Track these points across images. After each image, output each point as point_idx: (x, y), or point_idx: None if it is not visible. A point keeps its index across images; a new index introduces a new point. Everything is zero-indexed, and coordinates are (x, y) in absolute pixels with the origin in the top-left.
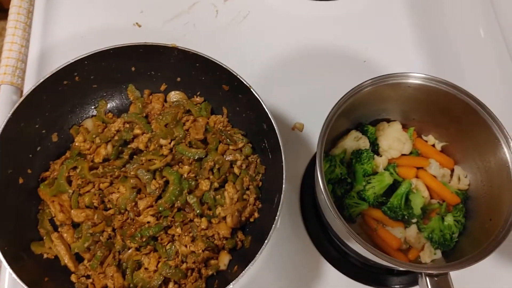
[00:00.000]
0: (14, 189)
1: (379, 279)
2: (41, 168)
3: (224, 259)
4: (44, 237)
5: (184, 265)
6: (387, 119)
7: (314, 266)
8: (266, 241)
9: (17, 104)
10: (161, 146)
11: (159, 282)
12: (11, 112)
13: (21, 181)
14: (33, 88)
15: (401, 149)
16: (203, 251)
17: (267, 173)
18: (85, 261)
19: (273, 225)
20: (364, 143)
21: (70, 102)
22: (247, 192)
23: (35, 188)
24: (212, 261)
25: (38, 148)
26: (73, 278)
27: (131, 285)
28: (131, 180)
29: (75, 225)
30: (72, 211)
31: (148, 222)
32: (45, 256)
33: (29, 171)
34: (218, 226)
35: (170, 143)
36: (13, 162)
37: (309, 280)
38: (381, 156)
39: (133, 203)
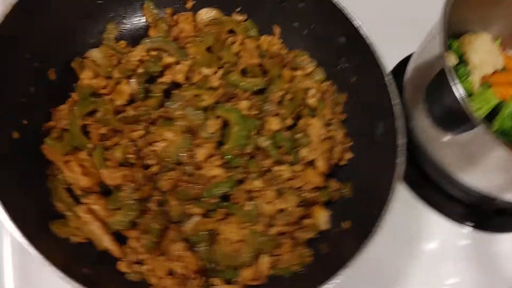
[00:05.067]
0: (7, 147)
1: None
2: (40, 117)
3: (321, 216)
4: (66, 214)
5: (274, 230)
6: (466, 31)
7: (414, 212)
8: (392, 186)
9: None
10: (206, 77)
11: (251, 256)
12: None
13: (15, 135)
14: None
15: (495, 64)
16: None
17: (351, 101)
18: (132, 242)
19: (397, 162)
20: (452, 59)
21: (67, 23)
22: (330, 128)
23: (36, 145)
24: (306, 221)
25: (32, 89)
26: (122, 266)
27: (210, 265)
28: (180, 122)
29: (105, 193)
30: (103, 171)
31: (214, 177)
32: (72, 239)
33: (24, 122)
34: (304, 174)
35: (216, 73)
36: (1, 110)
37: (412, 230)
38: (472, 73)
39: (189, 153)
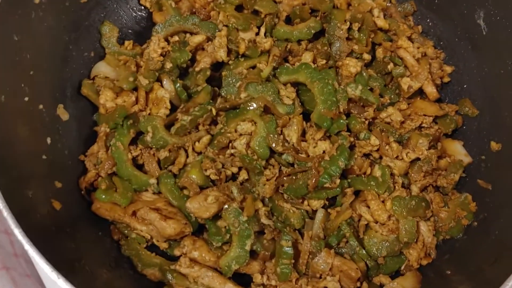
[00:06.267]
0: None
1: None
2: (71, 173)
3: (456, 147)
4: (165, 280)
5: (416, 187)
6: None
7: None
8: None
9: None
10: (253, 42)
11: (410, 228)
12: None
13: (57, 206)
14: None
15: None
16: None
17: (421, 8)
18: (257, 278)
19: None
20: None
21: (57, 39)
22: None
23: (81, 207)
24: (442, 162)
25: (48, 140)
26: None
27: (370, 262)
28: (249, 106)
29: (198, 231)
30: (187, 205)
31: (323, 154)
32: None
33: (57, 185)
34: (415, 108)
35: (259, 32)
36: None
37: None
38: None
39: (279, 138)
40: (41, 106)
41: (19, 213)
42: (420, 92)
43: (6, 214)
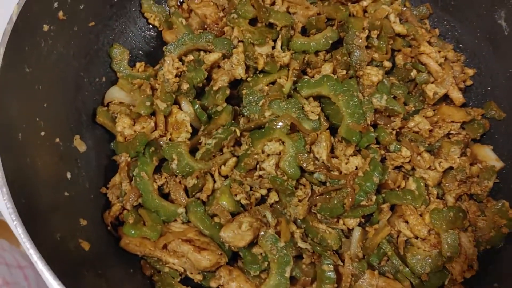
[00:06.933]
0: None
1: None
2: (95, 208)
3: (486, 152)
4: None
5: (451, 197)
6: None
7: None
8: None
9: None
10: (271, 57)
11: (453, 241)
12: None
13: (85, 246)
14: None
15: None
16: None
17: (437, 9)
18: None
19: None
20: None
21: (68, 66)
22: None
23: (109, 245)
24: (474, 168)
25: (68, 175)
26: None
27: (414, 281)
28: (275, 125)
29: (232, 259)
30: (221, 234)
31: (357, 170)
32: None
33: (82, 222)
34: (442, 115)
35: (274, 47)
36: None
37: None
38: None
39: (308, 157)
40: (57, 140)
41: (50, 259)
42: (445, 98)
43: (41, 266)
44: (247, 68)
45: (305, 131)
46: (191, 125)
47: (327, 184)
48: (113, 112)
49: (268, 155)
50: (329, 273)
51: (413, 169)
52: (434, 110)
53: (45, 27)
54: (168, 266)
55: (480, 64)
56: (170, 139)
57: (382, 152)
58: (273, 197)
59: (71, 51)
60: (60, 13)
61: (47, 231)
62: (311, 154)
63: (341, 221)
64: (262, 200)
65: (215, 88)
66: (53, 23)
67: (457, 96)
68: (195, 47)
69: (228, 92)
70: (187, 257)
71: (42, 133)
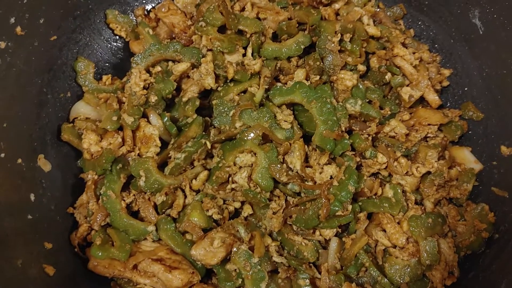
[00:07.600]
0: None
1: None
2: (61, 227)
3: (464, 154)
4: None
5: (429, 203)
6: None
7: None
8: None
9: None
10: (242, 65)
11: (432, 248)
12: None
13: (50, 271)
14: None
15: None
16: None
17: (411, 10)
18: None
19: None
20: None
21: (29, 83)
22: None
23: (78, 268)
24: (452, 171)
25: (32, 196)
26: None
27: None
28: (246, 135)
29: (206, 276)
30: (192, 252)
31: (331, 179)
32: None
33: (47, 245)
34: (419, 118)
35: (244, 54)
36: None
37: None
38: None
39: (281, 168)
40: (19, 160)
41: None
42: (421, 100)
43: None
44: (217, 77)
45: (278, 140)
46: (161, 139)
47: (302, 194)
48: (79, 128)
49: (240, 167)
50: None
51: (390, 175)
52: (410, 113)
53: (2, 44)
54: (139, 287)
55: (456, 64)
56: (138, 154)
57: (358, 159)
58: (247, 210)
59: (33, 67)
60: (18, 29)
61: (7, 258)
62: (284, 165)
63: (317, 232)
64: (236, 213)
65: (184, 99)
66: (11, 40)
67: (433, 98)
68: (163, 57)
69: (198, 103)
70: (158, 277)
71: (2, 155)
